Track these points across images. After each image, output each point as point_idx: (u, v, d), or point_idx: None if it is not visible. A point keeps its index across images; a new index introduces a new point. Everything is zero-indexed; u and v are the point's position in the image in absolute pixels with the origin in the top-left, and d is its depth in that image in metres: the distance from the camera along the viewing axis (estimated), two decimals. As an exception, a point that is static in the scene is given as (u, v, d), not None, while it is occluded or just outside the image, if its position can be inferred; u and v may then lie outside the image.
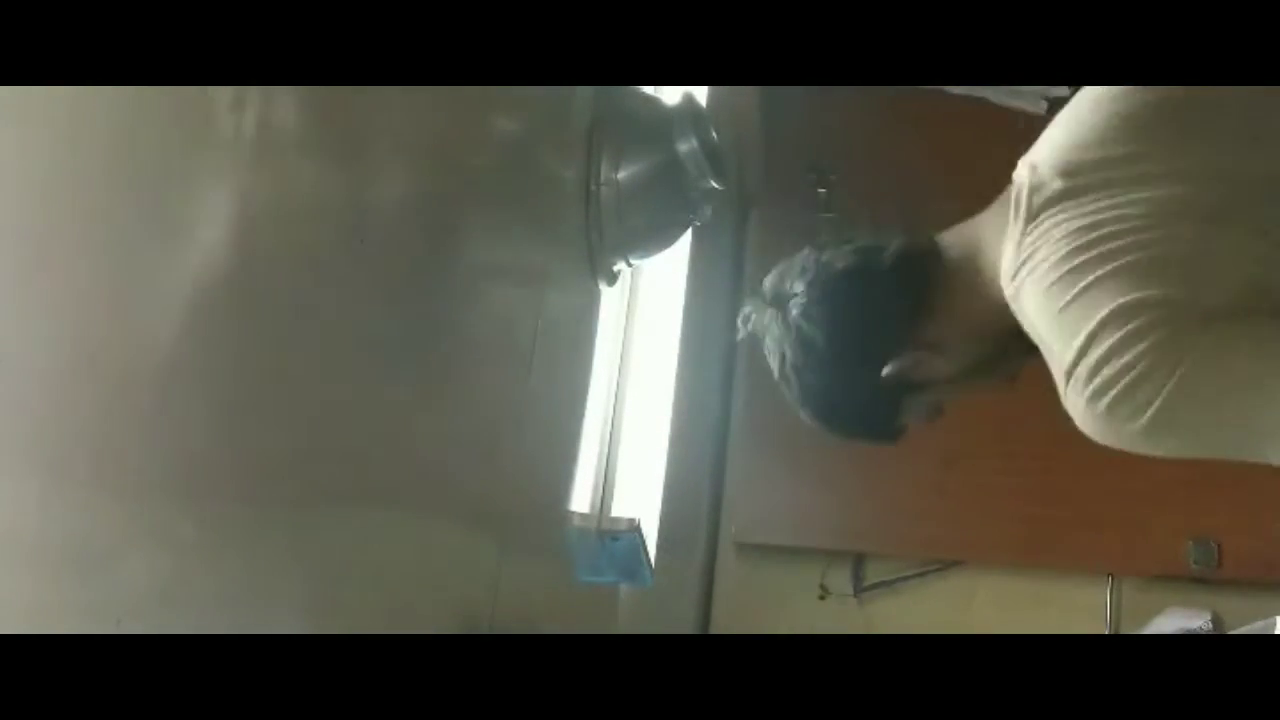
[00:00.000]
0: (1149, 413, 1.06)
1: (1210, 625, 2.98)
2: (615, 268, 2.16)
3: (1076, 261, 1.11)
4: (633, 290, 2.41)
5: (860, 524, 3.22)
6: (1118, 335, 1.07)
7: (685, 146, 2.08)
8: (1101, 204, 1.12)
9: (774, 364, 1.34)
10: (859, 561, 3.29)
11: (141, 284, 0.87)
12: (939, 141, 3.38)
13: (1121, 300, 1.07)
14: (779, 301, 1.32)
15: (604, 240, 2.06)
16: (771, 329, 1.33)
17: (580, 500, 2.08)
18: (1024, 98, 3.30)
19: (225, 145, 0.97)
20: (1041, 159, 1.19)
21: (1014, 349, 1.24)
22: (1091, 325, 1.08)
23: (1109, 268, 1.09)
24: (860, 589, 3.28)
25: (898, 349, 1.27)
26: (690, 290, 2.72)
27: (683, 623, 3.15)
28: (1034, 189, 1.16)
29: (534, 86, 1.68)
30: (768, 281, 1.35)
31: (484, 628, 1.62)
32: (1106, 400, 1.08)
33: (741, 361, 3.39)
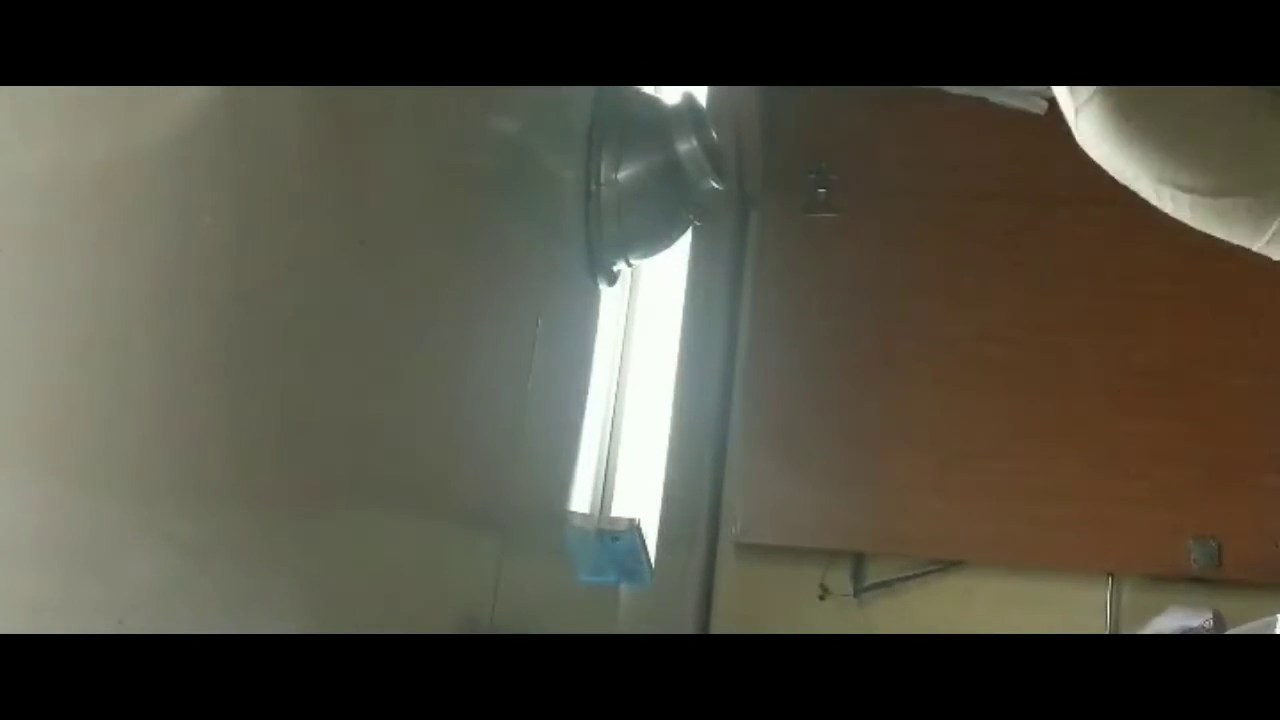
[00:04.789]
0: None
1: (1211, 625, 2.98)
2: (615, 268, 2.17)
3: None
4: (633, 290, 2.41)
5: (860, 524, 3.22)
6: None
7: (685, 146, 2.08)
8: None
9: None
10: (859, 561, 3.29)
11: (141, 284, 0.87)
12: (939, 141, 3.38)
13: None
14: None
15: (604, 240, 2.06)
16: None
17: (580, 500, 2.08)
18: (1024, 98, 3.30)
19: (226, 145, 0.97)
20: None
21: None
22: None
23: None
24: (860, 589, 3.28)
25: None
26: (690, 290, 2.72)
27: (683, 623, 3.15)
28: None
29: (534, 86, 1.68)
30: None
31: (484, 628, 1.62)
32: None
33: (741, 361, 3.39)
